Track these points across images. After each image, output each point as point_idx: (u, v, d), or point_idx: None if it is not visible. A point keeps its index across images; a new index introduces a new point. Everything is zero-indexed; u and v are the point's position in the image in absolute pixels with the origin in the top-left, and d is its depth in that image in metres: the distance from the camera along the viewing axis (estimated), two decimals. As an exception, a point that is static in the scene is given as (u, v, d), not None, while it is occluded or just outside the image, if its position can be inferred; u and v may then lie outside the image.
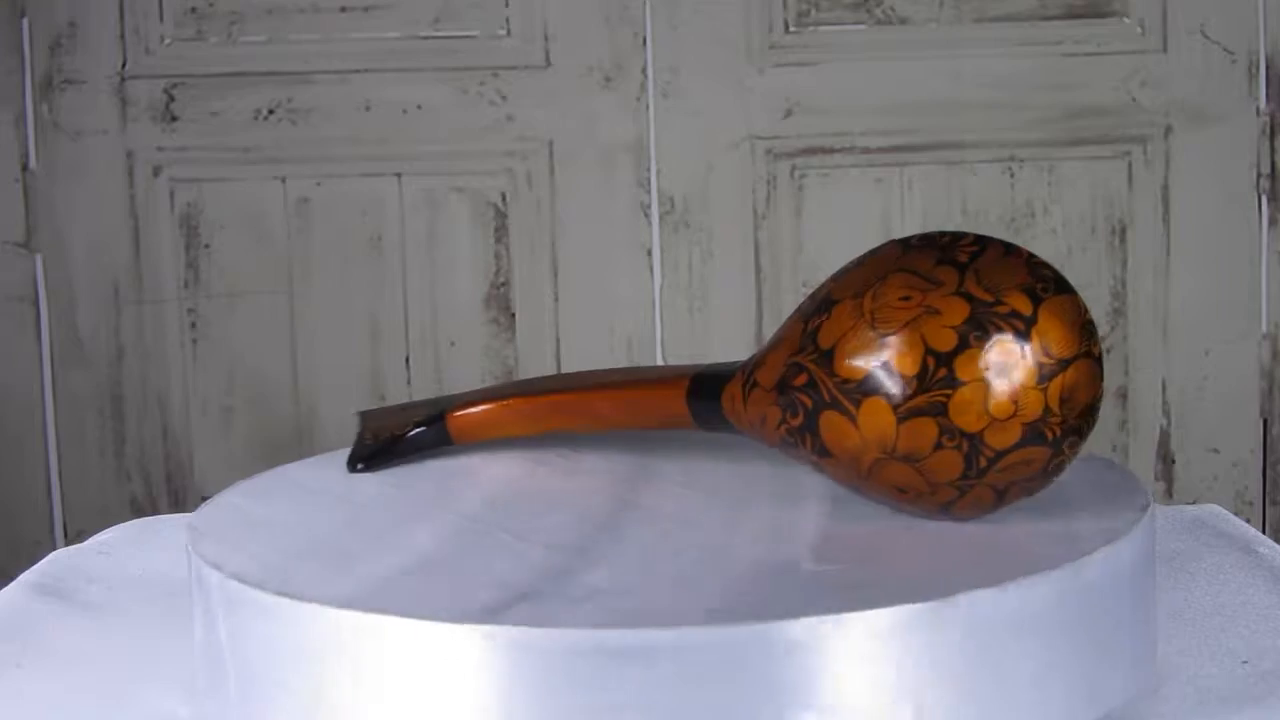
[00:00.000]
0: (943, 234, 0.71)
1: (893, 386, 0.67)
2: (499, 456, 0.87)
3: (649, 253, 1.97)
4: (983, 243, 0.70)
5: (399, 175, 1.97)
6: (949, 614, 0.61)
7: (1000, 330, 0.67)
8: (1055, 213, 1.98)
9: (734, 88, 1.96)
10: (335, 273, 1.97)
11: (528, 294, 1.98)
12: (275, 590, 0.65)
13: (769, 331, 1.94)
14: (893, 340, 0.67)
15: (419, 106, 1.96)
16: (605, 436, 0.87)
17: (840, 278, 0.72)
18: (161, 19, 1.94)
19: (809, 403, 0.70)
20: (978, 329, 0.67)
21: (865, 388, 0.68)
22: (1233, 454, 2.01)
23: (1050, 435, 0.68)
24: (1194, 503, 1.41)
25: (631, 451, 0.86)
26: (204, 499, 1.79)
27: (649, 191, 1.97)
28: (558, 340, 1.98)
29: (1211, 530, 0.95)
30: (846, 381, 0.68)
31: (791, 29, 1.96)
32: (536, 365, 1.97)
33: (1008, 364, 0.67)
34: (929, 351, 0.67)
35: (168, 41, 1.95)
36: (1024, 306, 0.67)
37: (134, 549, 0.98)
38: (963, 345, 0.67)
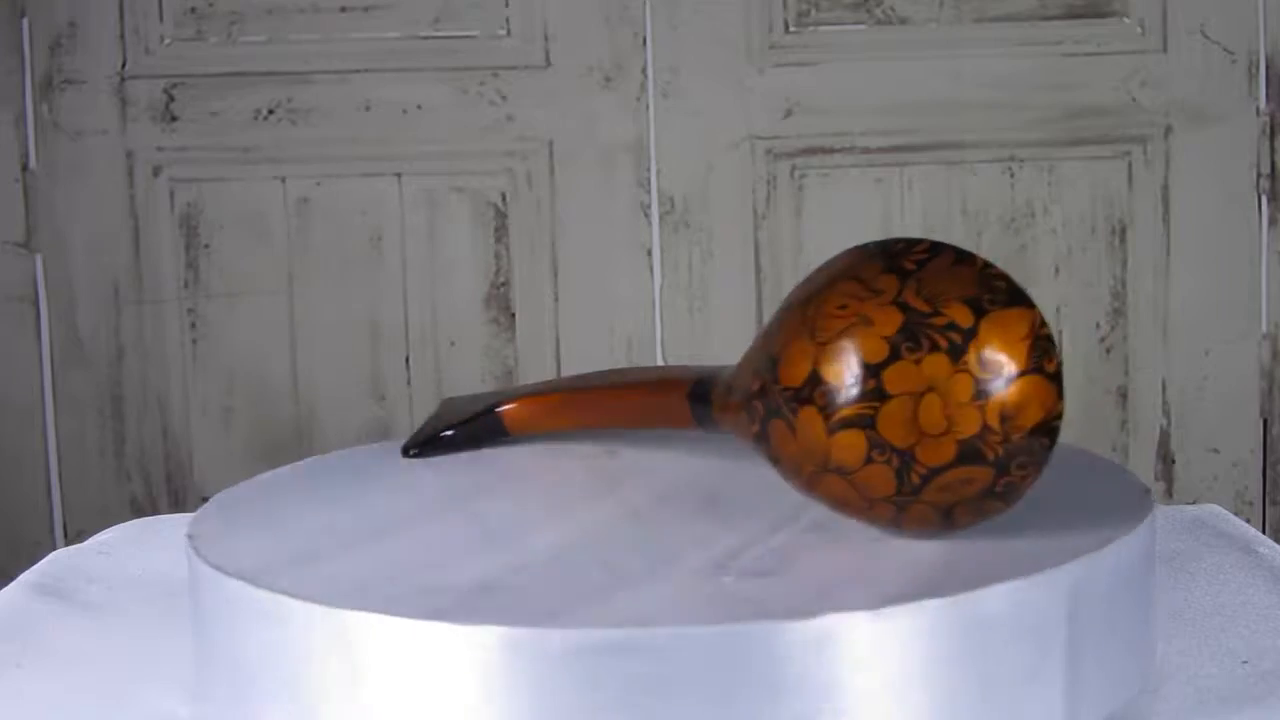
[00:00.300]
0: (900, 240, 0.68)
1: (824, 397, 0.65)
2: (543, 451, 0.87)
3: (649, 253, 1.97)
4: (937, 250, 0.67)
5: (399, 175, 1.97)
6: (947, 614, 0.61)
7: (934, 342, 0.64)
8: (1055, 213, 1.98)
9: (734, 88, 1.96)
10: (335, 273, 1.97)
11: (528, 294, 1.98)
12: (275, 590, 0.65)
13: (769, 331, 1.94)
14: (827, 349, 0.65)
15: (419, 106, 1.96)
16: (663, 434, 0.87)
17: (805, 282, 0.70)
18: (161, 19, 1.94)
19: (762, 410, 0.68)
20: (910, 340, 0.64)
21: (801, 397, 0.66)
22: (1233, 454, 2.01)
23: (991, 455, 0.65)
24: (1194, 503, 1.41)
25: (673, 450, 0.85)
26: (204, 499, 1.79)
27: (649, 191, 1.97)
28: (558, 340, 1.98)
29: (1211, 530, 0.95)
30: (786, 389, 0.66)
31: (791, 29, 1.96)
32: (536, 365, 1.98)
33: (940, 378, 0.64)
34: (860, 362, 0.65)
35: (168, 41, 1.95)
36: (963, 318, 0.64)
37: (134, 549, 0.98)
38: (894, 356, 0.64)
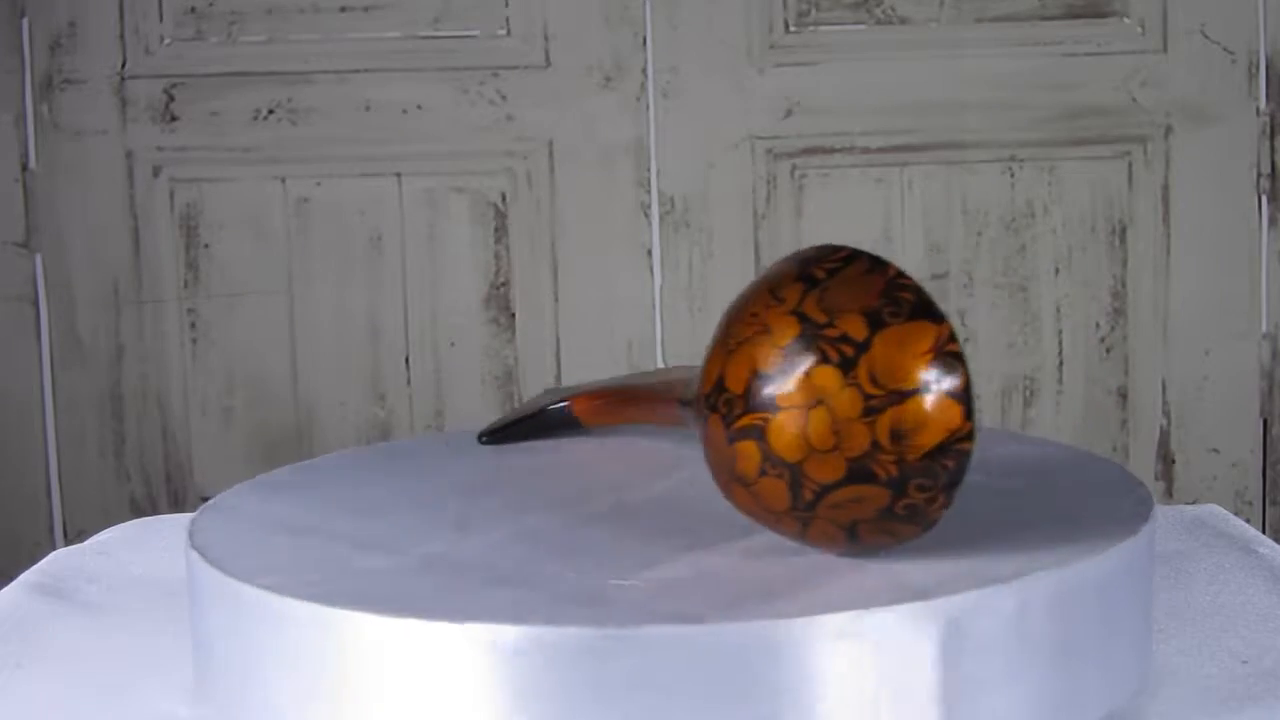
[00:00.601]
0: (824, 247, 0.67)
1: (725, 405, 0.64)
2: (601, 445, 0.89)
3: (649, 253, 1.97)
4: (851, 259, 0.65)
5: (399, 175, 1.97)
6: (944, 613, 0.61)
7: (824, 354, 0.62)
8: (1055, 213, 1.97)
9: (734, 87, 1.96)
10: (335, 273, 1.97)
11: (528, 294, 1.98)
12: (274, 590, 0.65)
13: (769, 331, 1.93)
14: (731, 357, 0.65)
15: (419, 106, 1.96)
16: None
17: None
18: (161, 19, 1.94)
19: (692, 417, 0.68)
20: (802, 351, 0.62)
21: (710, 403, 0.65)
22: (1233, 454, 2.00)
23: (884, 474, 0.62)
24: (1194, 503, 1.41)
25: None
26: (204, 499, 1.79)
27: (649, 191, 1.97)
28: (558, 340, 1.98)
29: (1211, 530, 0.95)
30: (703, 396, 0.66)
31: (792, 29, 1.96)
32: (536, 366, 1.98)
33: (829, 391, 0.61)
34: (755, 372, 0.63)
35: (167, 41, 1.95)
36: (857, 331, 0.62)
37: (134, 549, 0.98)
38: (786, 368, 0.63)
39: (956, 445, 0.62)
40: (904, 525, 0.64)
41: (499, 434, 0.91)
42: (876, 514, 0.63)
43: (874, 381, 0.61)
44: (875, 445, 0.61)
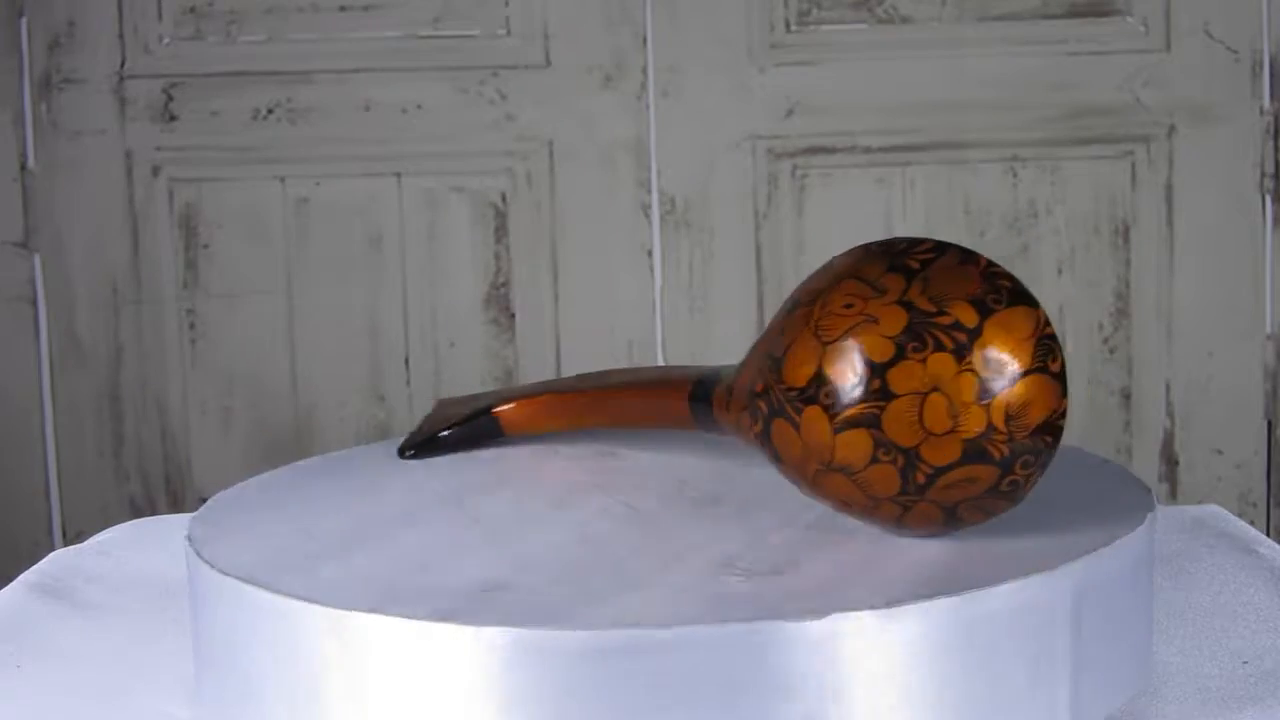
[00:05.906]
0: (903, 240, 0.69)
1: (829, 396, 0.66)
2: (540, 452, 0.87)
3: (649, 253, 1.97)
4: (941, 250, 0.67)
5: (399, 175, 1.96)
6: (951, 614, 0.61)
7: (939, 342, 0.65)
8: (1058, 212, 1.97)
9: (735, 87, 1.96)
10: (335, 273, 1.97)
11: (528, 294, 1.98)
12: (274, 590, 0.65)
13: (770, 332, 1.93)
14: (832, 349, 0.66)
15: (419, 106, 1.95)
16: (661, 435, 0.87)
17: (808, 282, 0.70)
18: (160, 18, 1.94)
19: (765, 410, 0.69)
20: (915, 339, 0.65)
21: (806, 396, 0.66)
22: (1237, 455, 2.00)
23: (997, 454, 0.65)
24: (1198, 504, 1.40)
25: (671, 451, 0.85)
26: (203, 499, 1.79)
27: (649, 191, 1.97)
28: (558, 340, 1.98)
29: (1212, 530, 0.95)
30: (791, 389, 0.67)
31: (793, 28, 1.96)
32: (536, 366, 1.97)
33: (945, 377, 0.65)
34: (865, 361, 0.65)
35: (166, 41, 1.94)
36: (968, 318, 0.65)
37: (133, 549, 0.98)
38: (899, 356, 0.65)
39: (1057, 422, 0.66)
40: (1002, 501, 0.67)
41: (424, 447, 0.89)
42: (983, 493, 0.66)
43: (987, 366, 0.65)
44: (990, 426, 0.65)
